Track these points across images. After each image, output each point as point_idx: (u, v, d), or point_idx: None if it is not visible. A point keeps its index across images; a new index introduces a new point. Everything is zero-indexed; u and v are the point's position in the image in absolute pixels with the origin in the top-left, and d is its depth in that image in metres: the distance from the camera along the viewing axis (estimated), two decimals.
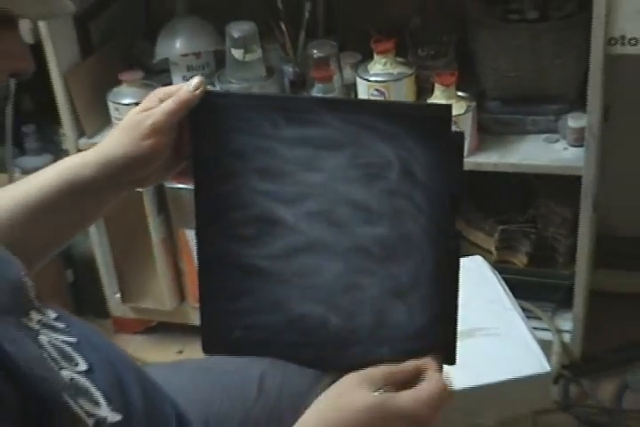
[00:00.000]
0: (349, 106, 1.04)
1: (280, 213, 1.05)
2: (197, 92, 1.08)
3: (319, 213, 1.04)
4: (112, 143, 1.10)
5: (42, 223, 1.12)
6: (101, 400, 0.94)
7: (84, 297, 2.45)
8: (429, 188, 1.00)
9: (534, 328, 1.83)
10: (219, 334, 1.12)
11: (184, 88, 1.09)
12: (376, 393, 0.99)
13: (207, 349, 1.13)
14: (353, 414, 0.99)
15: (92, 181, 1.10)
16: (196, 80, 1.09)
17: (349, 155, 1.01)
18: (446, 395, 1.02)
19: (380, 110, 1.01)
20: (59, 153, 2.38)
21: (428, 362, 1.03)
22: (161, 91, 1.12)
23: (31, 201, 1.11)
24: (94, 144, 1.16)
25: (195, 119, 1.08)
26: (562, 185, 2.03)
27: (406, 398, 1.00)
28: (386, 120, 1.00)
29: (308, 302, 1.07)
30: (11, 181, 2.04)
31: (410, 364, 1.03)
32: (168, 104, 1.08)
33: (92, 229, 2.22)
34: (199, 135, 1.08)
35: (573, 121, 1.92)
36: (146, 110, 1.10)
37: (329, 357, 1.07)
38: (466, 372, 1.60)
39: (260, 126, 1.04)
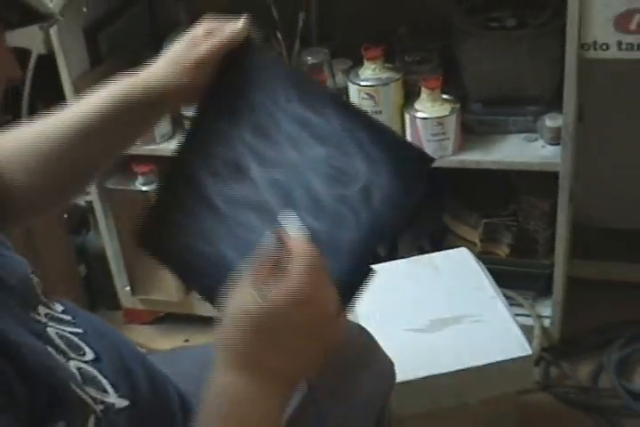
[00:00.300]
0: (352, 114, 1.05)
1: (251, 168, 1.06)
2: (243, 32, 1.07)
3: (278, 184, 1.04)
4: (156, 72, 1.11)
5: (97, 142, 1.13)
6: (108, 388, 0.97)
7: (96, 290, 2.49)
8: (377, 213, 1.00)
9: (516, 314, 1.89)
10: (158, 237, 1.14)
11: (231, 26, 1.08)
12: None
13: (142, 243, 1.16)
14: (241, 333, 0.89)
15: (138, 102, 1.11)
16: (243, 20, 1.08)
17: (328, 153, 1.02)
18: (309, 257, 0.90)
19: (375, 132, 1.03)
20: None
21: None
22: (208, 23, 1.10)
23: (87, 121, 1.12)
24: None
25: (229, 60, 1.08)
26: (540, 181, 2.08)
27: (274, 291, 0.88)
28: (375, 142, 1.01)
29: (233, 249, 1.05)
30: None
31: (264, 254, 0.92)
32: (215, 41, 1.07)
33: (103, 227, 2.29)
34: (225, 73, 1.09)
35: (550, 121, 1.97)
36: (191, 42, 1.09)
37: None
38: (453, 356, 1.71)
39: (275, 94, 1.05)
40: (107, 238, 2.32)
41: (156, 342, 2.37)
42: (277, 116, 1.06)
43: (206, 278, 1.09)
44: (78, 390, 0.91)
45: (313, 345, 0.91)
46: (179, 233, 1.12)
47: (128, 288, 2.40)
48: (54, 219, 2.35)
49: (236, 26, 1.08)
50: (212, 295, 1.03)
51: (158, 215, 1.15)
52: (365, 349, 1.36)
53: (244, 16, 1.09)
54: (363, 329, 1.40)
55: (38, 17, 0.93)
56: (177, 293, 2.33)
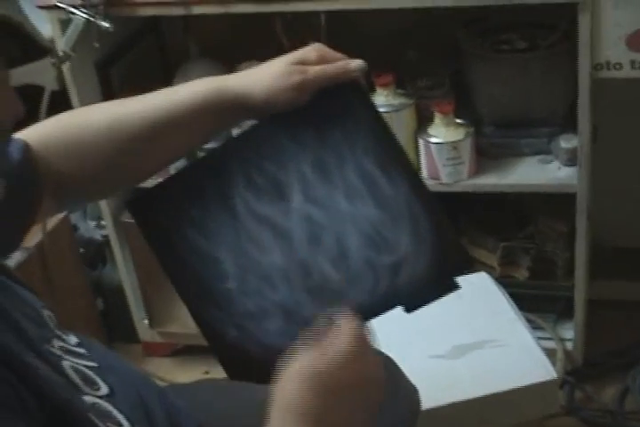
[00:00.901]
0: (421, 192, 1.06)
1: (293, 195, 1.06)
2: (354, 74, 1.06)
3: (312, 221, 1.06)
4: (256, 82, 1.07)
5: (171, 138, 1.12)
6: (124, 422, 0.97)
7: (114, 324, 2.48)
8: (396, 291, 1.04)
9: (538, 338, 1.86)
10: (155, 207, 1.12)
11: (346, 62, 1.06)
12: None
13: (134, 204, 1.14)
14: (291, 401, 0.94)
15: (224, 106, 1.09)
16: (360, 63, 1.06)
17: (380, 218, 1.04)
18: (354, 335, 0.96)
19: (435, 219, 1.04)
20: None
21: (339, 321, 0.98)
22: (322, 49, 1.08)
23: (168, 117, 1.10)
24: None
25: (327, 92, 1.06)
26: (556, 202, 2.07)
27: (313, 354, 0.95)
28: (430, 228, 1.04)
29: (230, 256, 1.08)
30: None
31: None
32: (327, 69, 1.05)
33: (120, 260, 2.28)
34: (317, 103, 1.07)
35: (565, 142, 1.97)
36: (301, 62, 1.06)
37: None
38: (478, 381, 1.69)
39: (355, 142, 1.05)
40: (123, 272, 2.32)
41: (176, 374, 2.36)
42: (347, 162, 1.06)
43: (187, 272, 1.10)
44: (97, 421, 0.92)
45: (364, 404, 0.96)
46: (179, 215, 1.10)
47: (146, 321, 2.40)
48: (71, 254, 2.35)
49: (351, 63, 1.07)
50: (183, 285, 1.09)
51: (168, 187, 1.13)
52: (390, 376, 1.34)
53: (361, 60, 1.07)
54: (386, 356, 1.39)
55: (40, 52, 0.91)
56: (195, 324, 2.30)
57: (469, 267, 1.10)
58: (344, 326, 0.97)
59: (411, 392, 1.39)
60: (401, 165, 1.07)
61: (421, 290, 1.05)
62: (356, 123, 1.07)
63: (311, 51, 1.08)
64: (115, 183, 1.19)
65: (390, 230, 1.05)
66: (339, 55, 1.08)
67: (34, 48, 0.90)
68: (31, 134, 1.13)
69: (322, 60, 1.07)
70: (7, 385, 0.83)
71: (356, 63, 1.06)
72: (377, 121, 1.08)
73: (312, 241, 1.06)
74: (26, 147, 1.10)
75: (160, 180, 1.15)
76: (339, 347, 0.95)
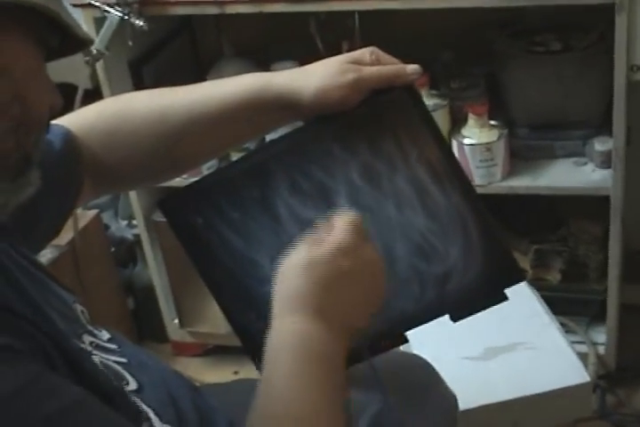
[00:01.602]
0: (475, 204, 1.05)
1: (339, 201, 1.05)
2: (410, 78, 1.04)
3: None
4: (307, 79, 1.05)
5: (213, 132, 1.10)
6: (152, 416, 0.97)
7: (144, 323, 2.49)
8: (442, 301, 1.04)
9: (570, 341, 1.84)
10: (186, 203, 1.10)
11: (404, 66, 1.04)
12: None
13: (165, 201, 1.11)
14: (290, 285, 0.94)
15: (272, 102, 1.07)
16: (416, 67, 1.04)
17: (429, 227, 1.04)
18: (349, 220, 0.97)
19: (487, 231, 1.04)
20: None
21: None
22: (378, 52, 1.06)
23: (214, 110, 1.08)
24: None
25: (380, 96, 1.04)
26: (590, 205, 2.07)
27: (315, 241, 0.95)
28: (482, 239, 1.03)
29: (269, 260, 1.05)
30: (75, 216, 2.13)
31: None
32: (382, 70, 1.03)
33: (151, 260, 2.29)
34: (369, 106, 1.04)
35: (600, 145, 1.96)
36: (356, 62, 1.04)
37: None
38: (511, 384, 1.68)
39: (409, 150, 1.04)
40: (154, 271, 2.32)
41: (205, 374, 2.36)
42: (399, 169, 1.04)
43: (223, 274, 1.09)
44: (135, 399, 0.94)
45: (364, 294, 0.96)
46: (215, 216, 1.08)
47: (176, 321, 2.40)
48: (102, 253, 2.36)
49: (407, 66, 1.05)
50: (212, 278, 1.09)
51: (203, 187, 1.10)
52: (429, 382, 1.34)
53: (417, 65, 1.05)
54: (425, 362, 1.38)
55: (77, 44, 0.91)
56: (225, 325, 2.22)
57: (521, 280, 1.07)
58: (339, 219, 0.97)
59: (449, 398, 1.37)
60: (454, 174, 1.05)
61: (469, 300, 1.05)
62: (409, 129, 1.05)
63: (367, 52, 1.06)
64: (155, 174, 1.19)
65: (440, 240, 1.04)
66: (394, 59, 1.06)
67: (73, 41, 0.90)
68: (74, 121, 1.13)
69: (377, 62, 1.05)
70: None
71: (413, 67, 1.04)
72: (432, 129, 1.06)
73: None
74: (68, 135, 1.10)
75: (192, 179, 1.13)
76: (334, 236, 0.95)
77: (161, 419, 0.98)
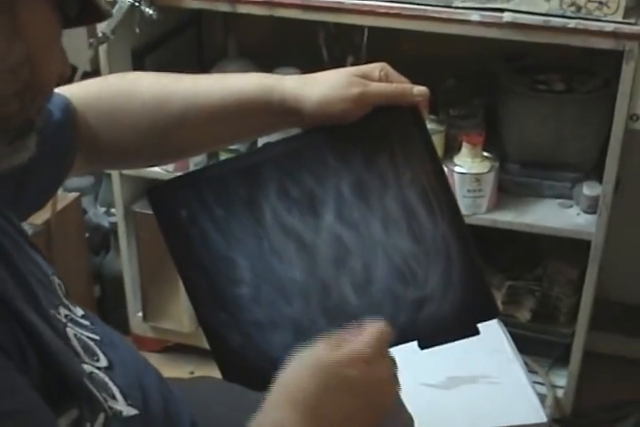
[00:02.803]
0: (462, 235, 1.04)
1: (326, 213, 1.04)
2: (417, 99, 1.03)
3: (341, 242, 1.04)
4: (313, 87, 1.04)
5: (212, 125, 1.09)
6: (118, 395, 0.96)
7: (108, 313, 2.45)
8: (414, 327, 1.03)
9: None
10: (173, 196, 1.08)
11: (411, 87, 1.03)
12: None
13: (153, 190, 1.09)
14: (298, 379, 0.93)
15: (275, 105, 1.06)
16: (424, 89, 1.03)
17: (413, 252, 1.03)
18: (380, 332, 0.95)
19: (470, 263, 1.03)
20: (100, 175, 2.48)
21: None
22: (387, 68, 1.04)
23: (217, 103, 1.07)
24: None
25: (383, 113, 1.03)
26: (569, 247, 2.06)
27: (340, 346, 0.94)
28: (463, 271, 1.03)
29: (248, 262, 1.05)
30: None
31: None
32: (388, 87, 1.02)
33: (124, 250, 2.28)
34: (369, 123, 1.03)
35: (588, 189, 1.96)
36: (364, 76, 1.03)
37: None
38: (468, 416, 1.67)
39: (402, 171, 1.03)
40: (126, 262, 2.31)
41: (162, 371, 2.25)
42: (390, 189, 1.04)
43: (199, 270, 1.07)
44: (91, 387, 0.91)
45: (363, 410, 0.93)
46: (201, 211, 1.07)
47: (140, 314, 2.39)
48: (76, 237, 2.34)
49: (414, 87, 1.03)
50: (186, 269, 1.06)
51: (193, 181, 1.08)
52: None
53: (425, 88, 1.04)
54: None
55: (95, 14, 0.90)
56: (188, 324, 2.32)
57: (495, 316, 1.06)
58: (369, 327, 0.95)
59: (407, 422, 1.35)
60: (445, 202, 1.04)
61: (440, 330, 1.04)
62: (407, 151, 1.04)
63: (377, 68, 1.05)
64: (145, 157, 1.18)
65: (421, 266, 1.03)
66: (403, 78, 1.05)
67: (92, 11, 0.89)
68: (77, 93, 1.12)
69: (385, 79, 1.04)
70: (12, 337, 0.83)
71: (420, 89, 1.03)
72: (430, 153, 1.05)
73: (337, 262, 1.04)
74: (69, 106, 1.09)
75: (178, 173, 1.13)
76: (355, 344, 0.93)
77: (126, 399, 0.97)
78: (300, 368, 0.92)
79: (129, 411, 0.97)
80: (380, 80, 1.04)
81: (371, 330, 0.95)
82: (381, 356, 0.95)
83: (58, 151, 1.08)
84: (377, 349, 0.94)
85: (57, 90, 1.05)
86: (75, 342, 0.96)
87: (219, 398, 1.25)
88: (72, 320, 1.00)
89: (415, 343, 1.06)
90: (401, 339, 1.03)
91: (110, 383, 0.97)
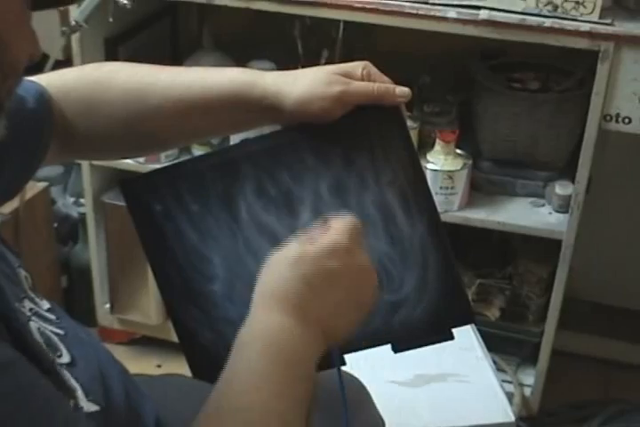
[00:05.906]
0: (439, 238, 1.03)
1: (303, 212, 1.03)
2: (399, 99, 1.02)
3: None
4: (294, 84, 1.03)
5: (189, 119, 1.08)
6: (79, 392, 0.94)
7: (74, 304, 2.45)
8: (388, 330, 1.02)
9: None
10: (148, 190, 1.06)
11: (393, 87, 1.02)
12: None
13: (126, 182, 1.08)
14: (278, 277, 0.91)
15: (255, 101, 1.04)
16: (406, 90, 1.02)
17: (389, 255, 1.02)
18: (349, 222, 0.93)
19: (447, 266, 1.03)
20: (70, 165, 2.46)
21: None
22: (370, 67, 1.03)
23: (195, 97, 1.06)
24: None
25: (364, 113, 1.02)
26: (540, 246, 2.07)
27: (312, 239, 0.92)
28: (440, 274, 1.02)
29: (221, 260, 1.04)
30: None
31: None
32: (370, 87, 1.01)
33: (92, 241, 2.26)
34: (349, 122, 1.02)
35: (560, 188, 1.96)
36: (346, 74, 1.02)
37: None
38: (436, 413, 1.68)
39: (382, 171, 1.02)
40: (94, 253, 2.30)
41: (128, 363, 2.22)
42: (368, 189, 1.03)
43: (172, 265, 1.06)
44: (63, 373, 0.91)
45: (349, 299, 0.92)
46: (176, 206, 1.05)
47: (107, 306, 2.38)
48: (44, 227, 2.32)
49: (396, 88, 1.02)
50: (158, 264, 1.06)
51: (169, 175, 1.06)
52: (360, 403, 1.32)
53: (407, 88, 1.03)
54: (360, 383, 1.35)
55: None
56: (156, 316, 2.31)
57: (471, 322, 1.07)
58: (337, 220, 0.94)
59: (377, 423, 1.34)
60: (424, 205, 1.03)
61: (415, 334, 1.03)
62: (387, 151, 1.03)
63: (359, 66, 1.03)
64: (120, 148, 1.17)
65: (397, 269, 1.03)
66: (385, 78, 1.03)
67: None
68: (53, 82, 1.10)
69: (367, 78, 1.03)
70: None
71: (402, 90, 1.03)
72: (410, 154, 1.04)
73: None
74: (44, 95, 1.07)
75: (152, 166, 1.12)
76: (328, 236, 0.91)
77: (87, 396, 0.95)
78: (279, 268, 0.91)
79: (89, 407, 0.95)
80: (362, 79, 1.02)
81: (340, 221, 0.93)
82: (357, 245, 0.93)
83: (31, 139, 1.06)
84: (351, 238, 0.92)
85: (33, 78, 1.04)
86: (37, 337, 0.94)
87: (186, 395, 1.23)
88: (36, 314, 0.98)
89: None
90: (374, 342, 1.03)
91: (72, 380, 0.95)
